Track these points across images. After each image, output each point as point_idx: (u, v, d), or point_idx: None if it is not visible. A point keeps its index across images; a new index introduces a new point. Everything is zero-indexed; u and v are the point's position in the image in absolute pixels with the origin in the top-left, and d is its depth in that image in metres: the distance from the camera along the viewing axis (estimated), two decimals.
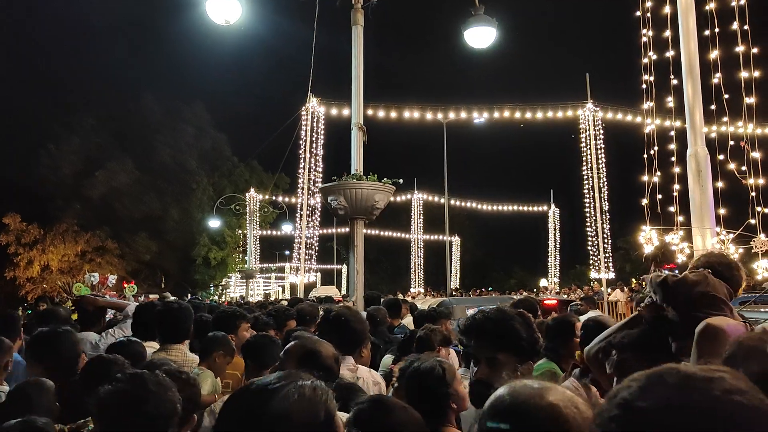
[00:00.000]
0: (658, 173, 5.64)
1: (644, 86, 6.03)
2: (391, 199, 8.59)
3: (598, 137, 18.29)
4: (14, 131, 37.66)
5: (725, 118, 5.76)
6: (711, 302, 2.31)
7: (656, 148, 5.67)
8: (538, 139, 37.56)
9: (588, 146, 18.29)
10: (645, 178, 5.71)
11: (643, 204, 5.61)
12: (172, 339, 3.88)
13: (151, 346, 3.99)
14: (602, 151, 18.04)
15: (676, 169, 5.46)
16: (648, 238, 5.21)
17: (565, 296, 17.94)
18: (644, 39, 5.93)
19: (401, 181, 8.33)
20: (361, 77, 8.83)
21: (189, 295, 33.23)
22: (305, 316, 5.60)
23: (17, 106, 38.23)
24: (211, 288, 39.31)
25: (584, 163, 18.37)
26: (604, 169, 18.02)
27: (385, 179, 8.32)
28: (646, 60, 5.91)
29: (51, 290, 26.34)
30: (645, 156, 5.77)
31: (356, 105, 8.87)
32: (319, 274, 28.78)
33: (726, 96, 5.64)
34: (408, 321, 6.61)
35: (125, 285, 15.06)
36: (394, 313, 6.52)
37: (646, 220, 5.45)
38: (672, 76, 5.65)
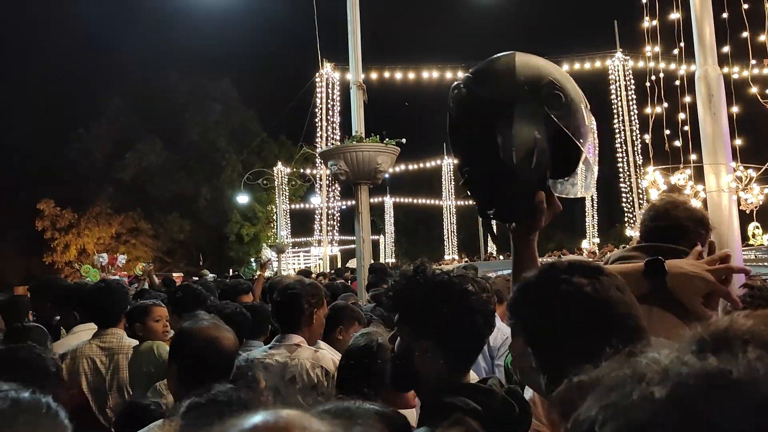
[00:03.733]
0: (665, 104, 4.90)
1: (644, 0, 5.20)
2: (408, 166, 8.05)
3: (629, 88, 17.28)
4: (44, 118, 38.11)
5: (744, 34, 4.95)
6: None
7: (661, 74, 4.88)
8: None
9: (618, 98, 17.31)
10: (648, 110, 4.97)
11: (646, 140, 4.88)
12: (105, 323, 3.47)
13: (90, 328, 3.64)
14: (634, 102, 17.04)
15: (687, 99, 4.67)
16: (652, 181, 4.53)
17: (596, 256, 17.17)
18: None
19: (404, 140, 7.79)
20: (358, 32, 8.24)
21: (230, 271, 33.58)
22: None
23: (45, 92, 38.62)
24: (252, 264, 39.49)
25: (615, 116, 17.42)
26: (636, 120, 17.03)
27: (387, 140, 7.79)
28: None
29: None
30: (647, 84, 5.03)
31: (354, 62, 8.30)
32: (337, 249, 28.41)
33: (745, 6, 4.83)
34: None
35: (140, 265, 15.03)
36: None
37: (650, 159, 4.75)
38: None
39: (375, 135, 7.87)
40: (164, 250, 39.23)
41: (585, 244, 30.10)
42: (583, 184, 1.60)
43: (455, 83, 1.64)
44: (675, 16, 4.57)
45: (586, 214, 30.10)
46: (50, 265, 35.09)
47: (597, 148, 1.61)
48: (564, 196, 1.63)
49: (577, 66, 18.33)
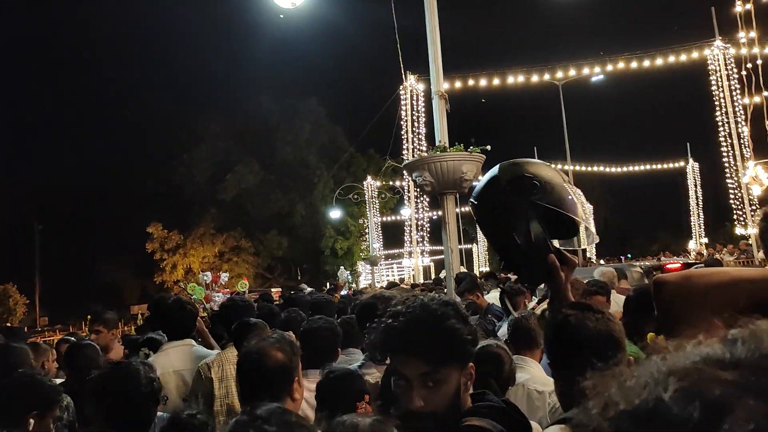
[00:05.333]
0: (765, 93, 4.51)
1: None
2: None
3: (731, 78, 16.18)
4: (150, 147, 40.80)
5: None
6: None
7: (759, 61, 4.48)
8: (664, 89, 34.50)
9: (720, 89, 16.26)
10: (745, 100, 4.59)
11: (744, 134, 4.50)
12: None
13: (189, 344, 3.88)
14: (737, 92, 15.94)
15: None
16: (754, 176, 4.18)
17: (701, 258, 16.18)
18: None
19: (489, 147, 7.67)
20: (437, 41, 8.24)
21: (327, 284, 34.38)
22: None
23: (149, 122, 41.32)
24: (349, 277, 40.20)
25: (718, 109, 16.37)
26: (741, 113, 15.92)
27: (472, 147, 7.71)
28: None
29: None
30: (743, 73, 4.64)
31: (434, 72, 8.29)
32: (430, 261, 28.28)
33: None
34: (493, 296, 6.07)
35: (245, 281, 15.65)
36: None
37: (750, 153, 4.38)
38: None
39: (459, 144, 7.81)
40: (264, 267, 40.73)
41: (692, 245, 28.46)
42: (585, 238, 2.04)
43: (470, 199, 2.16)
44: None
45: (691, 213, 28.50)
46: (161, 284, 37.32)
47: (585, 206, 2.03)
48: (572, 248, 2.08)
49: (672, 59, 17.44)
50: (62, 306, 38.69)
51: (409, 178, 17.39)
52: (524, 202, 1.93)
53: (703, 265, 7.23)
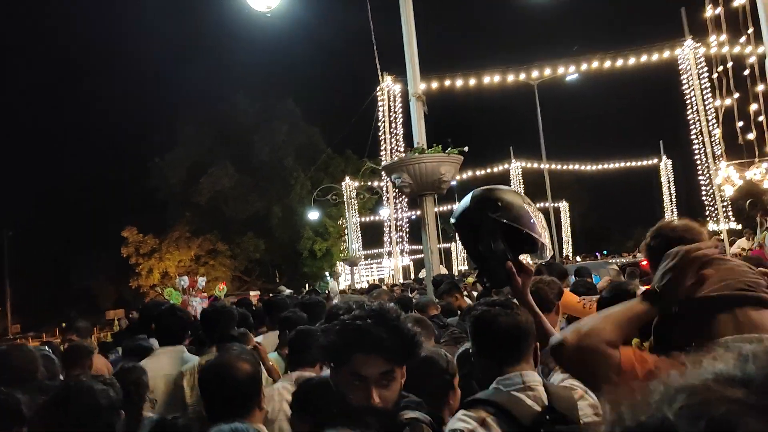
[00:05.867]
0: (736, 94, 4.60)
1: None
2: (467, 173, 8.01)
3: (701, 77, 16.47)
4: (124, 150, 40.26)
5: None
6: None
7: (730, 63, 4.58)
8: (638, 88, 34.98)
9: (691, 87, 16.52)
10: (717, 102, 4.67)
11: (715, 135, 4.59)
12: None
13: (180, 350, 3.90)
14: (708, 90, 16.22)
15: (760, 87, 4.34)
16: (726, 177, 4.26)
17: None
18: None
19: (467, 149, 7.72)
20: (413, 43, 8.26)
21: (306, 286, 34.19)
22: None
23: (123, 125, 40.78)
24: (328, 278, 40.07)
25: (689, 107, 16.64)
26: (712, 110, 16.20)
27: (449, 149, 7.75)
28: None
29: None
30: (714, 76, 4.72)
31: (411, 74, 8.32)
32: (410, 261, 28.29)
33: None
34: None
35: (223, 285, 15.50)
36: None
37: (722, 154, 4.46)
38: None
39: (437, 145, 7.85)
40: (242, 270, 40.42)
41: None
42: (541, 252, 2.37)
43: (450, 219, 2.56)
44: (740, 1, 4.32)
45: (665, 209, 28.99)
46: (136, 289, 36.84)
47: (541, 224, 2.36)
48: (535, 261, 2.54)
49: (644, 58, 17.65)
50: (35, 313, 38.06)
51: (388, 179, 17.40)
52: (488, 219, 2.28)
53: None
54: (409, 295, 10.70)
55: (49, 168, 42.14)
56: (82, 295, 42.23)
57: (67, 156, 42.83)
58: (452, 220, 2.49)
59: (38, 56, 48.55)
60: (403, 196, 17.52)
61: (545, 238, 2.38)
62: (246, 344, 3.71)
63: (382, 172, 17.61)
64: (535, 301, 3.52)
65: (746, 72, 4.31)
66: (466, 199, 2.44)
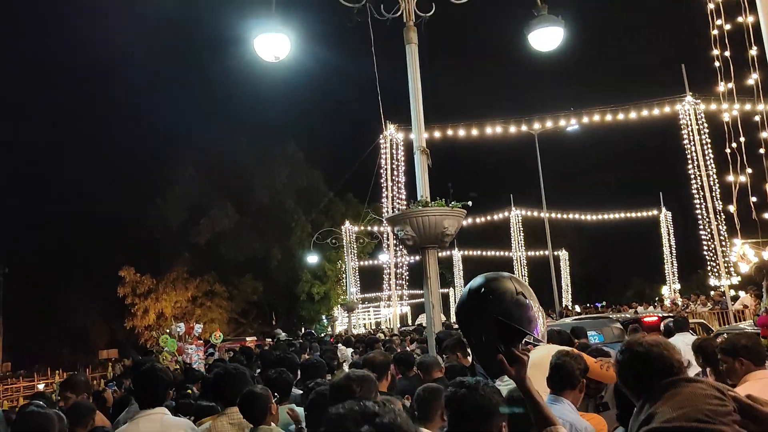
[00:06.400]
0: (749, 170, 4.58)
1: (717, 63, 4.92)
2: (468, 221, 7.96)
3: (702, 132, 16.64)
4: (124, 190, 40.31)
5: None
6: None
7: (742, 139, 4.58)
8: (638, 141, 35.28)
9: (692, 142, 16.67)
10: (730, 178, 4.65)
11: (731, 211, 4.56)
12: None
13: (161, 412, 3.73)
14: (708, 146, 16.36)
15: None
16: (741, 255, 4.22)
17: (673, 310, 16.28)
18: (711, 5, 4.80)
19: (470, 203, 7.68)
20: (419, 98, 8.30)
21: (302, 329, 33.83)
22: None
23: (123, 165, 40.94)
24: (324, 321, 39.68)
25: (690, 161, 16.77)
26: (712, 166, 16.30)
27: (453, 203, 7.72)
28: (716, 31, 4.80)
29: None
30: (728, 150, 4.71)
31: (417, 127, 8.33)
32: (407, 306, 28.05)
33: None
34: None
35: (219, 333, 15.28)
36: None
37: (737, 231, 4.41)
38: (751, 46, 4.49)
39: (440, 199, 7.82)
40: (239, 311, 40.05)
41: (665, 291, 28.75)
42: (534, 338, 2.45)
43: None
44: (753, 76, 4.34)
45: (665, 260, 28.87)
46: (131, 329, 36.38)
47: (538, 312, 2.44)
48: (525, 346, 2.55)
49: (645, 112, 17.85)
50: (27, 351, 37.48)
51: (389, 226, 17.40)
52: (479, 312, 2.40)
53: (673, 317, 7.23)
54: (408, 348, 10.54)
55: (44, 205, 42.03)
56: (75, 333, 41.70)
57: (63, 193, 42.80)
58: (454, 312, 2.59)
59: (38, 93, 49.10)
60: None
61: (540, 320, 2.43)
62: (267, 403, 3.77)
63: (383, 219, 17.65)
64: (559, 376, 3.43)
65: (761, 150, 4.29)
66: (464, 292, 2.54)
